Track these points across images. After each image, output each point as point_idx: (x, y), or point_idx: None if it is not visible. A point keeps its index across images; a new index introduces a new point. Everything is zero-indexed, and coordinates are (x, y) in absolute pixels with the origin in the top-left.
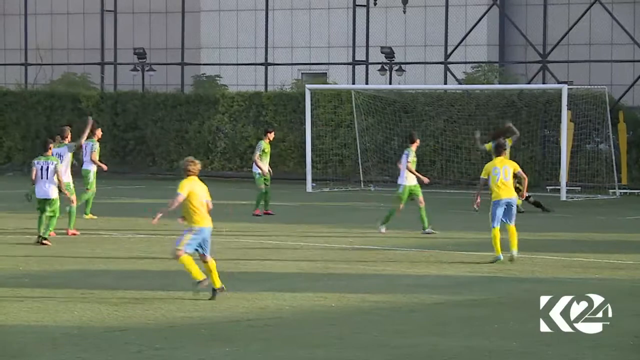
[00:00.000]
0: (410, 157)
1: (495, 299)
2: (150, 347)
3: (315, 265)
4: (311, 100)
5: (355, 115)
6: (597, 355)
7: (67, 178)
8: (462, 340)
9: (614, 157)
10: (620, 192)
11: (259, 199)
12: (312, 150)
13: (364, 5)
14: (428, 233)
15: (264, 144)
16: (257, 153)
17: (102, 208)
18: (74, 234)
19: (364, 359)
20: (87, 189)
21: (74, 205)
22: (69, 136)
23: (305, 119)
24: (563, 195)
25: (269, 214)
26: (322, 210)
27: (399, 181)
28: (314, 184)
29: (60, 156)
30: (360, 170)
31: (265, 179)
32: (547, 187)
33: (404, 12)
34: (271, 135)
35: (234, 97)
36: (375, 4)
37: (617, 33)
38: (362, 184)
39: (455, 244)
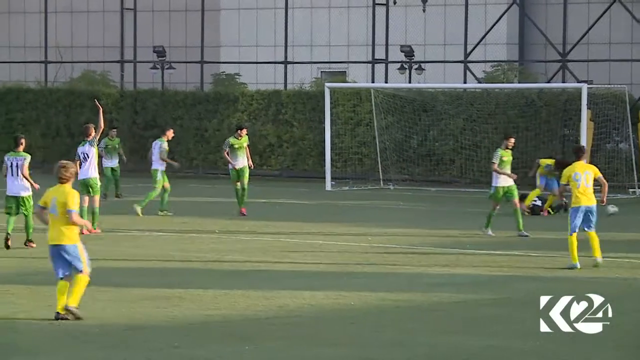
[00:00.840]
0: (495, 158)
1: (515, 298)
2: (169, 345)
3: (335, 264)
4: (330, 98)
5: (374, 114)
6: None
7: (94, 174)
8: (481, 339)
9: (633, 157)
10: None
11: (238, 197)
12: (331, 149)
13: (383, 4)
14: (522, 236)
15: (232, 141)
16: (225, 149)
17: (122, 206)
18: (95, 232)
19: (384, 357)
20: (155, 187)
21: (97, 205)
22: (93, 133)
23: (324, 118)
24: None
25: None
26: (342, 208)
27: (492, 182)
28: (333, 183)
29: (85, 154)
30: (380, 168)
31: (239, 175)
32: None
33: (424, 10)
34: (243, 132)
35: (253, 95)
36: (394, 2)
37: (637, 32)
38: (381, 182)
39: (474, 243)
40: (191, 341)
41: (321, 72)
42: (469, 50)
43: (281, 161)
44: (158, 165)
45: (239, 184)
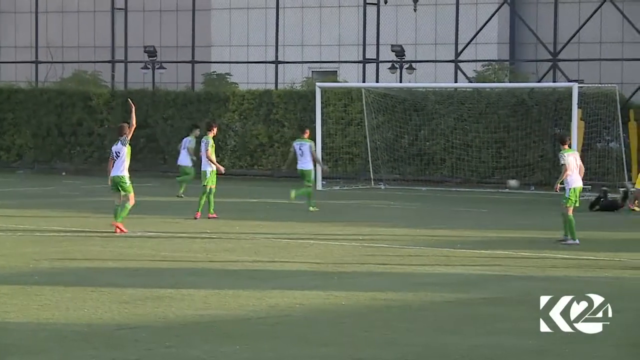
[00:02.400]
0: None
1: (507, 297)
2: (160, 344)
3: (326, 264)
4: (321, 98)
5: (365, 114)
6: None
7: (124, 172)
8: (472, 338)
9: (624, 156)
10: (632, 191)
11: (211, 199)
12: (322, 149)
13: (374, 4)
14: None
15: (211, 140)
16: (209, 149)
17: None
18: (120, 229)
19: (375, 357)
20: (308, 185)
21: (131, 202)
22: (126, 132)
23: (315, 117)
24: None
25: (214, 217)
26: (333, 208)
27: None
28: (324, 182)
29: (117, 153)
30: (371, 168)
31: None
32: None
33: (415, 10)
34: (215, 130)
35: (244, 95)
36: (385, 2)
37: (627, 31)
38: (372, 182)
39: (464, 242)
40: (182, 341)
41: (312, 71)
42: (459, 49)
43: (272, 161)
44: (311, 166)
45: (212, 187)
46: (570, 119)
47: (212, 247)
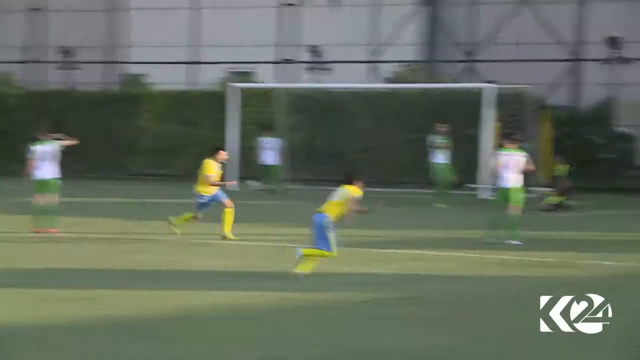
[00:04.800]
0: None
1: (424, 297)
2: (75, 345)
3: (239, 264)
4: (238, 99)
5: (281, 114)
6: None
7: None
8: (384, 339)
9: (536, 157)
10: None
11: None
12: (238, 150)
13: (291, 4)
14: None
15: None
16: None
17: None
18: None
19: (285, 357)
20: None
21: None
22: (61, 137)
23: (229, 118)
24: (482, 194)
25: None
26: (250, 209)
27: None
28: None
29: (53, 155)
30: (287, 169)
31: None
32: (467, 185)
33: (333, 11)
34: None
35: (160, 95)
36: (302, 3)
37: (543, 33)
38: (288, 182)
39: (392, 242)
40: (95, 340)
41: (229, 72)
42: (377, 50)
43: (186, 162)
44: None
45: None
46: (484, 120)
47: (127, 249)
